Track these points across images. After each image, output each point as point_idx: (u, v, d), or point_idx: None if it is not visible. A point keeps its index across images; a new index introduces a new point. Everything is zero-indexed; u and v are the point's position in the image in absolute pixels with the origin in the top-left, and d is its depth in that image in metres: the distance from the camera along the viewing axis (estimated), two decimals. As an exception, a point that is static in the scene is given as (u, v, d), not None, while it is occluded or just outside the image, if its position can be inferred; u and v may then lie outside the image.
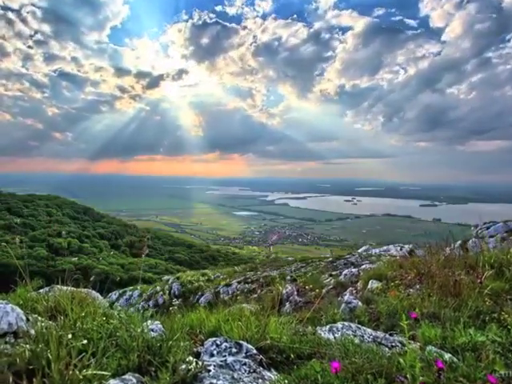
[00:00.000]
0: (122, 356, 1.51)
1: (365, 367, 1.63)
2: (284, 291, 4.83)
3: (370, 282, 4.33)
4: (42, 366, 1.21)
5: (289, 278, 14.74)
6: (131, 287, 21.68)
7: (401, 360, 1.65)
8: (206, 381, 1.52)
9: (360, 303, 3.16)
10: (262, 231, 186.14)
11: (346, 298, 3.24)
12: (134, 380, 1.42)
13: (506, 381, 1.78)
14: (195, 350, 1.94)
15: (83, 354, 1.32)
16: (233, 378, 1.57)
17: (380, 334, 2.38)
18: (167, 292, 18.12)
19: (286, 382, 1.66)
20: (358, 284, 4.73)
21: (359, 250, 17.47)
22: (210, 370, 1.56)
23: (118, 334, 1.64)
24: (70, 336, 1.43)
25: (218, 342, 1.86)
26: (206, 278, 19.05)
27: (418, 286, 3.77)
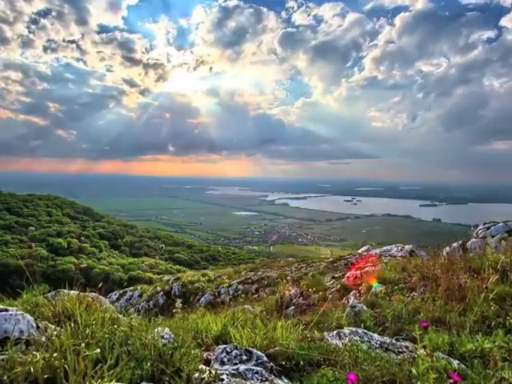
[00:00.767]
0: (136, 365, 1.50)
1: (376, 375, 1.63)
2: (288, 294, 4.83)
3: (374, 285, 4.33)
4: (60, 377, 1.21)
5: (289, 278, 14.76)
6: (131, 287, 21.70)
7: (413, 370, 1.64)
8: (220, 391, 1.51)
9: (365, 307, 3.16)
10: (262, 231, 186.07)
11: (350, 301, 3.23)
12: (149, 390, 1.40)
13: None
14: (205, 356, 1.93)
15: (98, 363, 1.32)
16: (246, 387, 1.55)
17: (387, 339, 2.38)
18: (167, 292, 18.13)
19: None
20: (362, 287, 4.73)
21: (359, 251, 17.48)
22: (223, 379, 1.56)
23: (129, 341, 1.63)
24: (83, 345, 1.43)
25: (229, 349, 1.86)
26: (207, 278, 19.04)
27: (421, 290, 3.77)
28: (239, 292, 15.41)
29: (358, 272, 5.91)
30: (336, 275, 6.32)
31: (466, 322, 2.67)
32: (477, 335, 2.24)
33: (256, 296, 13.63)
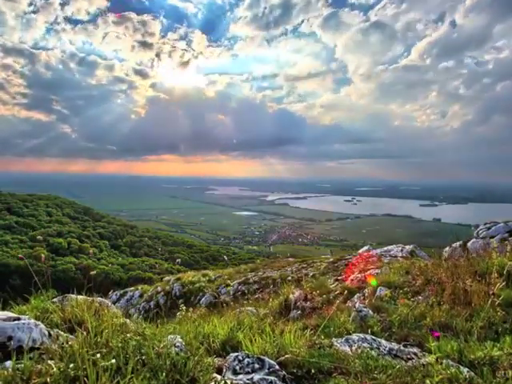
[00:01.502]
0: (151, 375, 1.50)
1: (388, 384, 1.63)
2: (291, 296, 4.81)
3: (379, 289, 4.31)
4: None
5: (290, 278, 14.77)
6: (132, 288, 21.71)
7: (428, 382, 1.63)
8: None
9: (371, 312, 3.15)
10: (262, 231, 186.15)
11: (356, 305, 3.23)
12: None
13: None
14: (216, 362, 1.93)
15: (114, 373, 1.32)
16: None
17: (395, 345, 2.38)
18: (168, 293, 18.14)
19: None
20: (366, 290, 4.72)
21: (360, 251, 17.47)
22: (238, 390, 1.56)
23: (142, 351, 1.63)
24: (98, 355, 1.43)
25: (240, 358, 1.86)
26: (207, 278, 19.04)
27: (426, 294, 3.77)
28: (240, 292, 15.42)
29: (362, 275, 5.90)
30: (339, 277, 6.31)
31: (472, 328, 2.67)
32: (485, 342, 2.23)
33: (257, 296, 13.62)
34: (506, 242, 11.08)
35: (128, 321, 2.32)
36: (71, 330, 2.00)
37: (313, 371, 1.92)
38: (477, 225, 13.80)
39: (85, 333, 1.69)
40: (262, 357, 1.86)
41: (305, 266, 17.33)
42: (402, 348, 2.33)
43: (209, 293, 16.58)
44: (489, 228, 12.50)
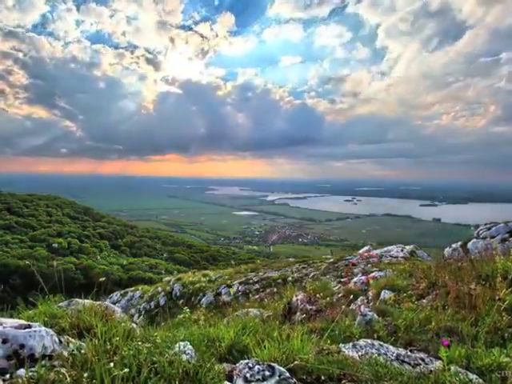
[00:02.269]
0: None
1: (398, 392, 1.62)
2: (295, 299, 4.80)
3: (383, 292, 4.31)
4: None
5: (290, 279, 14.77)
6: (132, 288, 21.72)
7: None
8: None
9: (376, 315, 3.15)
10: (262, 231, 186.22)
11: (361, 309, 3.23)
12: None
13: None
14: (225, 368, 1.92)
15: (128, 383, 1.32)
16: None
17: (402, 351, 2.38)
18: (169, 293, 18.14)
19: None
20: (370, 293, 4.71)
21: (360, 251, 17.46)
22: (251, 399, 1.55)
23: (154, 359, 1.63)
24: (111, 364, 1.43)
25: (251, 365, 1.85)
26: (208, 278, 19.01)
27: (430, 297, 3.76)
28: (240, 293, 15.41)
29: (365, 277, 5.90)
30: (342, 280, 6.31)
31: (478, 333, 2.67)
32: (492, 348, 2.23)
33: (257, 297, 13.61)
34: (507, 242, 11.10)
35: (134, 325, 2.31)
36: (80, 335, 2.00)
37: (322, 378, 1.91)
38: (477, 225, 13.81)
39: (95, 339, 1.69)
40: (272, 364, 1.86)
41: (305, 266, 17.31)
42: (408, 353, 2.33)
43: (209, 293, 16.57)
44: (489, 228, 12.51)
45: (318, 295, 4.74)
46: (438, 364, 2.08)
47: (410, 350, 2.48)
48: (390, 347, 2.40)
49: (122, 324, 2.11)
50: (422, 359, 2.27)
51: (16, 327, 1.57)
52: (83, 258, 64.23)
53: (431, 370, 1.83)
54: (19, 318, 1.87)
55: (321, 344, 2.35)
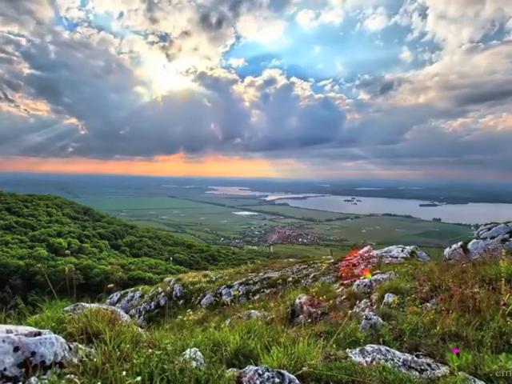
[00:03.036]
0: None
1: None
2: (298, 301, 4.80)
3: (386, 295, 4.30)
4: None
5: (291, 279, 14.77)
6: (133, 288, 21.70)
7: None
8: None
9: (380, 319, 3.15)
10: (261, 231, 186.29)
11: (366, 313, 3.23)
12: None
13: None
14: (234, 373, 1.92)
15: None
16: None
17: (408, 356, 2.38)
18: (169, 293, 18.13)
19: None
20: (373, 296, 4.70)
21: (360, 251, 17.45)
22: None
23: (165, 366, 1.64)
24: (124, 373, 1.43)
25: (260, 372, 1.86)
26: (208, 279, 18.99)
27: (434, 301, 3.76)
28: (241, 293, 15.41)
29: (368, 280, 5.90)
30: (345, 282, 6.33)
31: (484, 338, 2.67)
32: (499, 354, 2.23)
33: (258, 297, 13.63)
34: (507, 242, 11.11)
35: (141, 330, 2.31)
36: (88, 341, 2.00)
37: (331, 384, 1.92)
38: (476, 225, 13.81)
39: (103, 346, 1.70)
40: (281, 371, 1.86)
41: (305, 266, 17.28)
42: (415, 359, 2.33)
43: (209, 293, 16.56)
44: (489, 229, 12.51)
45: (320, 298, 4.74)
46: (444, 370, 2.08)
47: (416, 355, 2.49)
48: (397, 352, 2.41)
49: (129, 329, 2.12)
50: (429, 364, 2.28)
51: (26, 334, 1.58)
52: (83, 258, 64.20)
53: (439, 377, 1.83)
54: (28, 325, 1.87)
55: (327, 349, 2.35)
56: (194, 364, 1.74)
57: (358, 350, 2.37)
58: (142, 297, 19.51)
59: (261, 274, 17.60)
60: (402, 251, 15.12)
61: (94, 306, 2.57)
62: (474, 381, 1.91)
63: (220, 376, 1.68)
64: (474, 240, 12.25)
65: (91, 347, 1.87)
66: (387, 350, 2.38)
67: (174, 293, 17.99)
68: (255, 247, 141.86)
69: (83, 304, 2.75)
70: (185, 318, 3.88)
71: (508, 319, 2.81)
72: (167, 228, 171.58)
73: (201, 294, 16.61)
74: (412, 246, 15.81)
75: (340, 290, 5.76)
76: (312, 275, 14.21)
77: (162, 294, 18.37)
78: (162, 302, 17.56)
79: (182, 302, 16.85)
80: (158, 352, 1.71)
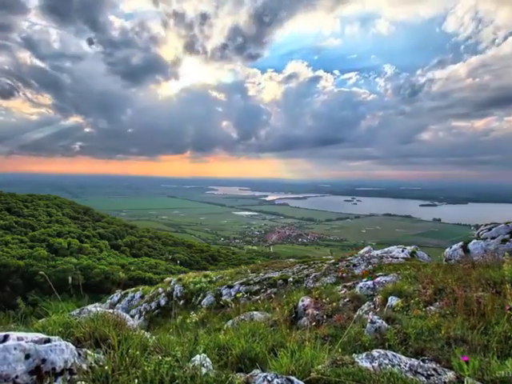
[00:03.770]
0: None
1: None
2: (301, 304, 4.79)
3: (390, 298, 4.29)
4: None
5: (291, 279, 14.77)
6: (133, 288, 21.69)
7: None
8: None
9: (385, 323, 3.14)
10: (261, 231, 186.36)
11: (370, 317, 3.23)
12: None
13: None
14: (243, 378, 1.92)
15: None
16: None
17: (415, 361, 2.38)
18: (169, 294, 18.12)
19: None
20: (376, 299, 4.69)
21: (360, 252, 17.44)
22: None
23: (175, 373, 1.64)
24: (136, 381, 1.44)
25: (269, 378, 1.85)
26: (208, 279, 18.98)
27: (438, 304, 3.75)
28: (241, 293, 15.40)
29: (371, 282, 5.89)
30: (347, 284, 6.33)
31: (489, 342, 2.67)
32: (506, 360, 2.22)
33: (258, 297, 13.64)
34: (508, 243, 11.11)
35: (147, 334, 2.31)
36: (95, 345, 2.00)
37: (340, 390, 1.91)
38: (476, 225, 13.80)
39: (112, 351, 1.70)
40: (291, 377, 1.85)
41: (306, 267, 17.28)
42: (421, 364, 2.33)
43: (210, 294, 16.56)
44: (490, 229, 12.50)
45: (323, 300, 4.73)
46: (451, 375, 2.08)
47: (422, 360, 2.48)
48: (403, 357, 2.40)
49: (135, 333, 2.12)
50: (435, 369, 2.27)
51: (37, 341, 1.58)
52: (83, 258, 64.17)
53: (445, 382, 1.83)
54: (36, 330, 1.87)
55: (334, 354, 2.35)
56: (203, 370, 1.74)
57: (364, 355, 2.37)
58: (142, 297, 19.49)
59: (261, 274, 17.60)
60: (403, 251, 15.12)
61: (100, 309, 2.57)
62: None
63: (230, 383, 1.68)
64: (475, 240, 12.24)
65: (98, 352, 1.88)
66: (393, 355, 2.37)
67: (174, 293, 17.98)
68: (255, 247, 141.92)
69: (88, 308, 2.74)
70: (188, 321, 3.89)
71: (513, 323, 2.80)
72: (167, 228, 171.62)
73: (201, 295, 16.60)
74: (412, 247, 15.81)
75: (343, 292, 5.76)
76: (312, 275, 14.22)
77: (163, 294, 18.36)
78: (163, 302, 17.56)
79: (182, 302, 16.85)
80: (167, 359, 1.71)
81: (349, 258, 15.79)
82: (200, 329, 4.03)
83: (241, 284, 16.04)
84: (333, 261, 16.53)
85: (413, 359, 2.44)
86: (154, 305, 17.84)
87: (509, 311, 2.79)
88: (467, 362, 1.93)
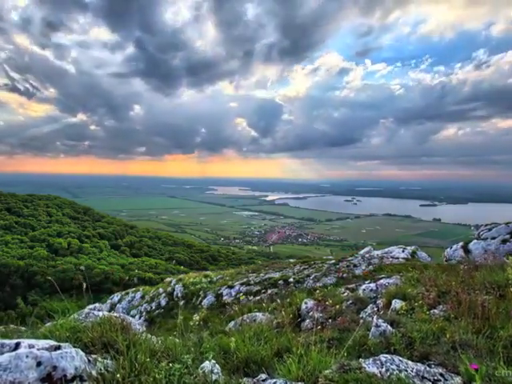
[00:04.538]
0: None
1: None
2: (304, 306, 4.79)
3: (394, 301, 4.29)
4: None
5: (291, 280, 14.78)
6: (133, 289, 21.69)
7: None
8: None
9: (390, 327, 3.14)
10: (261, 231, 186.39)
11: (375, 320, 3.23)
12: None
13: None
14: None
15: None
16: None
17: (421, 366, 2.38)
18: (170, 294, 18.12)
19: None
20: (379, 301, 4.69)
21: (361, 252, 17.44)
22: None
23: (186, 381, 1.65)
24: None
25: None
26: (209, 279, 18.97)
27: (442, 307, 3.75)
28: (241, 294, 15.40)
29: (373, 284, 5.90)
30: (350, 286, 6.33)
31: (495, 347, 2.67)
32: (511, 365, 2.23)
33: (258, 298, 13.63)
34: (508, 243, 11.12)
35: (154, 338, 2.32)
36: (104, 351, 2.00)
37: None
38: (477, 225, 13.78)
39: (120, 357, 1.70)
40: None
41: (306, 267, 17.27)
42: (428, 369, 2.33)
43: (210, 294, 16.55)
44: (490, 229, 12.51)
45: (327, 302, 4.74)
46: (458, 380, 2.08)
47: (428, 365, 2.48)
48: (409, 362, 2.41)
49: (142, 337, 2.12)
50: (442, 375, 2.28)
51: (47, 348, 1.59)
52: (83, 258, 64.20)
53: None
54: (43, 335, 1.88)
55: (341, 359, 2.35)
56: (213, 377, 1.75)
57: (371, 360, 2.37)
58: (143, 297, 19.48)
59: (262, 274, 17.59)
60: (403, 252, 15.11)
61: (106, 313, 2.57)
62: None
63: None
64: (475, 240, 12.24)
65: (106, 358, 1.88)
66: (400, 360, 2.37)
67: (174, 293, 17.97)
68: (255, 247, 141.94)
69: (94, 312, 2.74)
70: (191, 323, 3.90)
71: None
72: (167, 228, 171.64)
73: (202, 295, 16.60)
74: (413, 247, 15.80)
75: (345, 294, 5.76)
76: (313, 276, 14.22)
77: (163, 294, 18.36)
78: (163, 302, 17.55)
79: (182, 302, 16.84)
80: (177, 365, 1.72)
81: (349, 259, 15.80)
82: (203, 330, 4.04)
83: (241, 284, 16.03)
84: (333, 261, 16.53)
85: (419, 364, 2.45)
86: (154, 305, 17.83)
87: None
88: (477, 370, 1.93)
